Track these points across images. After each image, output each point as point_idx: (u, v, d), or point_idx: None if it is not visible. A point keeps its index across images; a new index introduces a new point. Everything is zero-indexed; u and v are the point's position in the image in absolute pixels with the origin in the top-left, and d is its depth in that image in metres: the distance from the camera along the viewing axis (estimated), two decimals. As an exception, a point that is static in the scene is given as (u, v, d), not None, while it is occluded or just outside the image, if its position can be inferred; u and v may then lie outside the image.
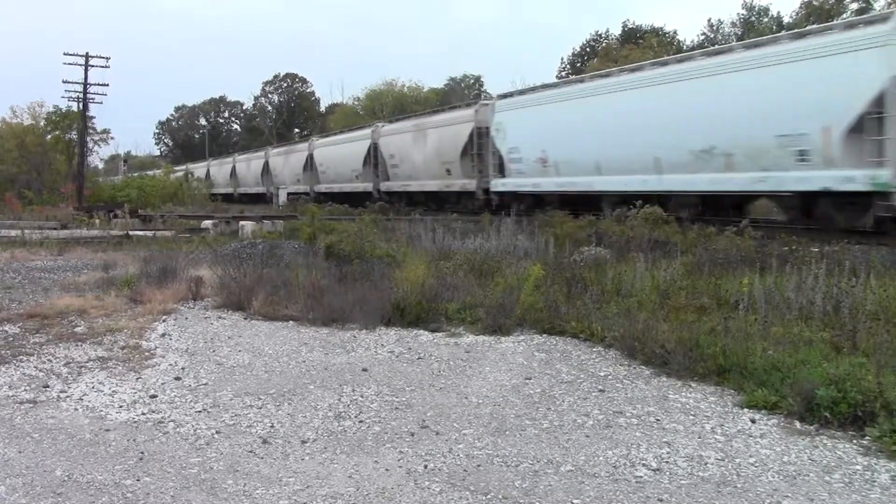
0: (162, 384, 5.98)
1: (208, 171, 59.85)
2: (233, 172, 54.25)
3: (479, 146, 25.35)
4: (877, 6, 37.09)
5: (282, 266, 10.62)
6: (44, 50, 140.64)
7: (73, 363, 6.60)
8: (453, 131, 26.88)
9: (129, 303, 9.20)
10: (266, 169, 47.30)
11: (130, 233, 18.91)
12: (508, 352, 6.79)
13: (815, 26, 19.83)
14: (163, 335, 7.67)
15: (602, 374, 6.04)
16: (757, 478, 4.03)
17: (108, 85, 37.08)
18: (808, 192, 14.19)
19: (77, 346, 7.22)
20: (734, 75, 15.35)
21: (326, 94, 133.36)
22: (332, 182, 37.60)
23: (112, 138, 70.34)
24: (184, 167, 61.27)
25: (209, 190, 54.34)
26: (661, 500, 3.79)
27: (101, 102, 37.81)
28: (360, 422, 5.04)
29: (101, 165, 62.67)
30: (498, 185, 24.04)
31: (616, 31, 56.81)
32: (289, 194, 39.96)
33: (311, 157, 39.87)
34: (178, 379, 6.12)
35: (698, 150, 16.11)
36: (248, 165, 51.81)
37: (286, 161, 44.27)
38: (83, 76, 36.06)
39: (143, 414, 5.26)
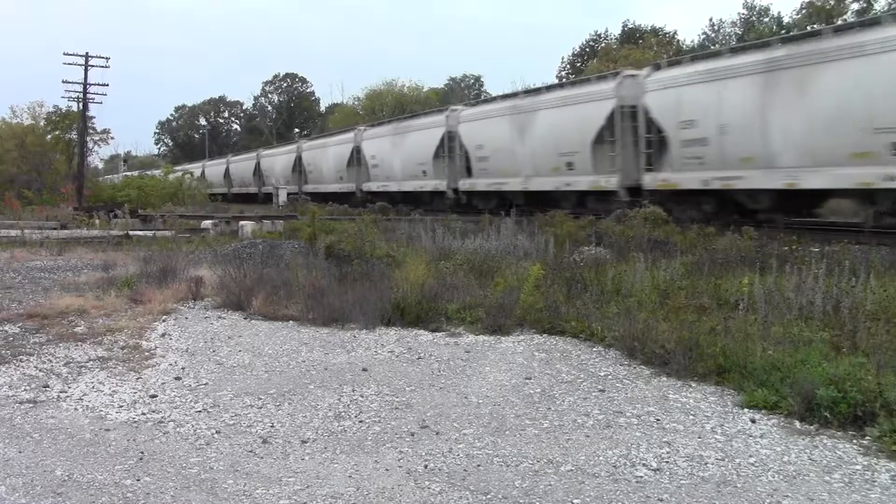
0: (162, 384, 5.97)
1: (203, 171, 60.31)
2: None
3: (621, 131, 18.88)
4: (877, 6, 37.15)
5: (282, 266, 10.61)
6: (44, 50, 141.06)
7: (73, 363, 6.60)
8: (580, 113, 20.09)
9: (129, 303, 9.19)
10: (298, 165, 43.41)
11: (130, 233, 18.89)
12: (508, 352, 6.79)
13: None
14: (163, 335, 7.67)
15: (602, 373, 6.04)
16: (757, 478, 4.03)
17: (107, 85, 37.27)
18: None
19: (77, 345, 7.22)
20: None
21: (326, 94, 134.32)
22: (387, 180, 31.96)
23: (112, 138, 70.56)
24: (184, 167, 62.03)
25: (206, 189, 54.84)
26: (661, 500, 3.79)
27: (101, 102, 38.16)
28: (360, 422, 5.04)
29: (101, 165, 62.88)
30: (656, 180, 17.84)
31: (616, 31, 56.97)
32: (328, 194, 35.99)
33: (357, 150, 35.31)
34: (178, 379, 6.12)
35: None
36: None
37: (315, 157, 40.04)
38: (83, 76, 36.18)
39: (143, 414, 5.26)
